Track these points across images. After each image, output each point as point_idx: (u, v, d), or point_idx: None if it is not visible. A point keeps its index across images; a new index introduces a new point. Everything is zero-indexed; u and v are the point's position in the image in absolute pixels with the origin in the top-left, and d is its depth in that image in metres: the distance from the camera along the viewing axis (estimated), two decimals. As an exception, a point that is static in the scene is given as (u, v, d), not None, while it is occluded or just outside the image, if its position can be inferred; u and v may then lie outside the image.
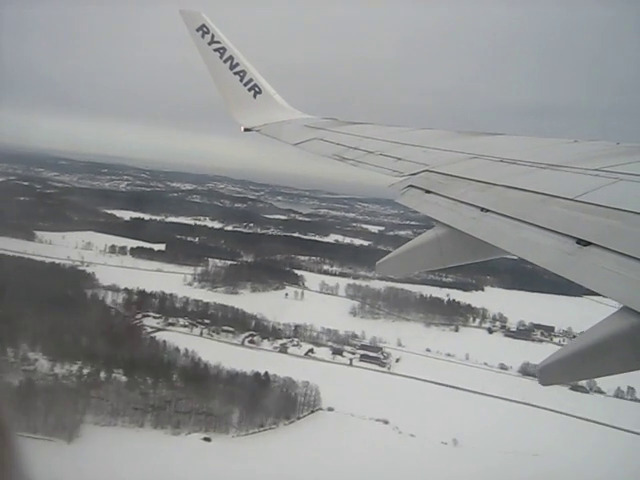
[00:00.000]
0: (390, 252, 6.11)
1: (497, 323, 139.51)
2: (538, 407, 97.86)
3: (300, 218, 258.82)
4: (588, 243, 4.04)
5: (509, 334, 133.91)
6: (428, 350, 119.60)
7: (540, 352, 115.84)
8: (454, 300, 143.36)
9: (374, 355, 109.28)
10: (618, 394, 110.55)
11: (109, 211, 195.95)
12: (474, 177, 6.50)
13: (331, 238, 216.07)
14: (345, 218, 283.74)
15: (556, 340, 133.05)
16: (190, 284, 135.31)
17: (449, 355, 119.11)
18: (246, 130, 15.00)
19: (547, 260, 4.19)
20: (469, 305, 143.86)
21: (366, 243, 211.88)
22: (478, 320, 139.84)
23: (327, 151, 10.79)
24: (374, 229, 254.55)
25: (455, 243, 5.61)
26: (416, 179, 7.33)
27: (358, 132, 11.61)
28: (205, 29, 14.83)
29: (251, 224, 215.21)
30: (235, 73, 15.13)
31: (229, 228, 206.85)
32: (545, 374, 3.86)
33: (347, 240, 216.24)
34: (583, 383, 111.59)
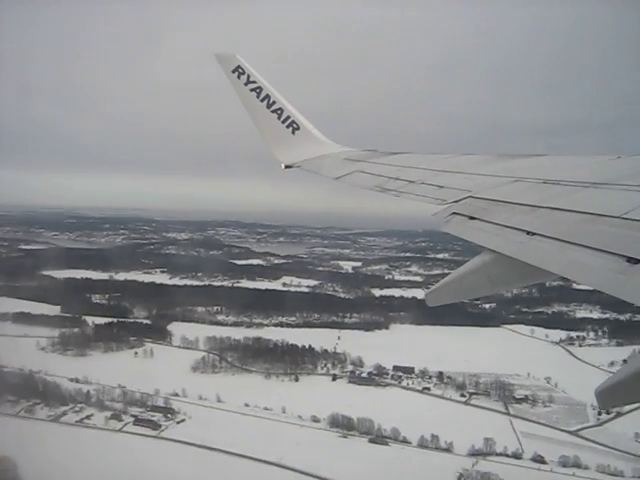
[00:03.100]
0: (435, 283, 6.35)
1: (349, 368, 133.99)
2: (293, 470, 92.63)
3: (275, 261, 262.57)
4: (639, 261, 4.06)
5: (353, 380, 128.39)
6: (247, 405, 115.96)
7: (370, 398, 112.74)
8: (310, 347, 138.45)
9: (149, 418, 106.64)
10: (422, 443, 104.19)
11: (47, 272, 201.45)
12: (518, 201, 6.52)
13: (279, 282, 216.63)
14: (332, 255, 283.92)
15: (405, 383, 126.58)
16: (43, 349, 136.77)
17: (266, 409, 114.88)
18: (287, 167, 15.32)
19: (597, 281, 4.19)
20: (326, 350, 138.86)
21: (314, 283, 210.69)
22: (330, 367, 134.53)
23: (368, 183, 10.83)
24: (348, 265, 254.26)
25: (503, 268, 5.66)
26: (459, 206, 7.33)
27: (398, 162, 11.72)
28: (240, 70, 15.36)
29: (199, 274, 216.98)
30: (273, 111, 15.48)
31: (173, 281, 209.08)
32: (603, 398, 4.13)
33: (296, 282, 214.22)
34: (388, 433, 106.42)
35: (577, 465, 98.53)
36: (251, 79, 15.32)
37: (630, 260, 3.98)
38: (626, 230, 4.45)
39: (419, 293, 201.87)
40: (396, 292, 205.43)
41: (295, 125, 15.60)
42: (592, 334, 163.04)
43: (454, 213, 7.08)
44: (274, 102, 15.44)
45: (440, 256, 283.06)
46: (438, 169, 9.80)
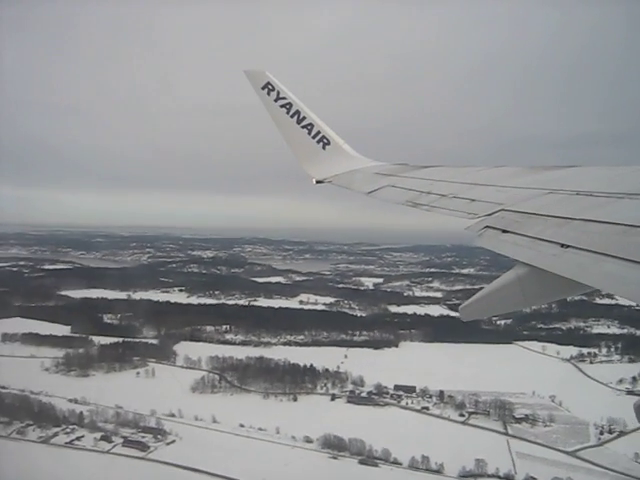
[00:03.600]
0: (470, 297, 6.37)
1: (350, 387, 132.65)
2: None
3: (297, 278, 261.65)
4: None
5: (352, 400, 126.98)
6: (241, 425, 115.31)
7: (367, 418, 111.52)
8: (311, 366, 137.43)
9: (138, 440, 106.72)
10: (413, 464, 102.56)
11: (65, 292, 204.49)
12: (551, 213, 6.54)
13: (297, 299, 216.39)
14: (356, 271, 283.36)
15: (405, 402, 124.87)
16: (47, 369, 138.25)
17: (260, 430, 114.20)
18: (318, 182, 15.58)
19: (633, 293, 4.25)
20: (327, 370, 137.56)
21: (331, 300, 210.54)
22: (329, 386, 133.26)
23: (399, 198, 10.95)
24: (369, 282, 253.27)
25: (537, 282, 5.71)
26: (492, 219, 7.41)
27: (429, 176, 11.86)
28: (270, 87, 15.72)
29: (217, 292, 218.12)
30: (303, 127, 15.82)
31: (190, 300, 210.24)
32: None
33: (313, 299, 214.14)
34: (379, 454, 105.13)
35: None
36: (281, 95, 15.52)
37: None
38: None
39: (435, 310, 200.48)
40: (414, 309, 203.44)
41: (326, 140, 15.82)
42: (604, 350, 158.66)
43: (487, 227, 7.09)
44: (304, 118, 15.64)
45: (465, 271, 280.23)
46: (469, 182, 9.78)
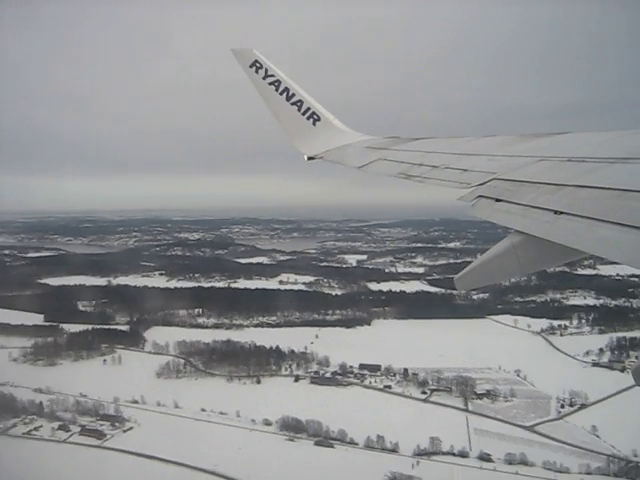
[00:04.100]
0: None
1: (315, 368, 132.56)
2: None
3: (281, 258, 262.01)
4: None
5: (315, 381, 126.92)
6: (203, 410, 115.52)
7: (328, 399, 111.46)
8: (277, 347, 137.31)
9: (95, 428, 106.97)
10: (369, 444, 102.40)
11: (44, 280, 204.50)
12: (543, 180, 6.56)
13: (277, 280, 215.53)
14: (342, 248, 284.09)
15: (368, 381, 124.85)
16: (15, 360, 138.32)
17: (221, 414, 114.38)
18: (310, 159, 15.50)
19: (628, 256, 4.22)
20: (293, 351, 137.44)
21: (311, 279, 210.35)
22: (294, 367, 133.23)
23: (392, 171, 10.90)
24: (353, 259, 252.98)
25: (531, 249, 5.71)
26: (485, 189, 7.41)
27: (421, 148, 11.84)
28: (258, 64, 15.70)
29: (197, 275, 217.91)
30: (292, 104, 15.74)
31: (171, 283, 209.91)
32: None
33: (294, 279, 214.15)
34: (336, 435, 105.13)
35: (523, 462, 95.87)
36: (269, 73, 15.41)
37: None
38: None
39: (415, 286, 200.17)
40: (393, 285, 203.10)
41: (316, 116, 15.69)
42: (575, 322, 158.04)
43: (480, 196, 7.11)
44: (293, 94, 15.51)
45: (451, 245, 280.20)
46: (461, 152, 9.79)
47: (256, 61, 15.39)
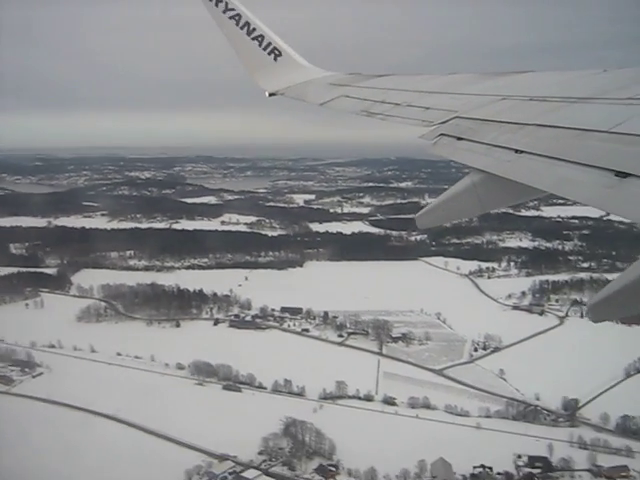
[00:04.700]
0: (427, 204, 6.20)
1: (236, 311, 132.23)
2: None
3: (228, 197, 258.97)
4: (627, 174, 4.02)
5: (234, 324, 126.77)
6: (118, 354, 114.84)
7: (245, 342, 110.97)
8: (200, 291, 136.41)
9: (4, 374, 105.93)
10: (277, 388, 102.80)
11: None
12: (505, 119, 6.47)
13: (219, 220, 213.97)
14: (292, 188, 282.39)
15: (287, 325, 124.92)
16: None
17: (137, 358, 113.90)
18: (271, 95, 14.99)
19: (586, 196, 4.19)
20: (215, 294, 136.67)
21: (253, 220, 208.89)
22: (215, 311, 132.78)
23: (354, 108, 10.71)
24: (301, 199, 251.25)
25: (492, 188, 5.65)
26: (446, 127, 7.22)
27: (383, 85, 11.49)
28: None
29: (139, 216, 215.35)
30: (253, 38, 15.09)
31: (111, 225, 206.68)
32: (595, 311, 4.07)
33: (236, 219, 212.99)
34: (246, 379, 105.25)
35: (426, 406, 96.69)
36: (229, 6, 14.57)
37: (619, 174, 3.97)
38: (614, 144, 4.44)
39: (357, 226, 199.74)
40: (335, 226, 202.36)
41: (277, 52, 14.95)
42: (504, 265, 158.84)
43: (441, 134, 6.98)
44: (254, 29, 14.76)
45: (403, 185, 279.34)
46: (424, 90, 9.63)
47: None
